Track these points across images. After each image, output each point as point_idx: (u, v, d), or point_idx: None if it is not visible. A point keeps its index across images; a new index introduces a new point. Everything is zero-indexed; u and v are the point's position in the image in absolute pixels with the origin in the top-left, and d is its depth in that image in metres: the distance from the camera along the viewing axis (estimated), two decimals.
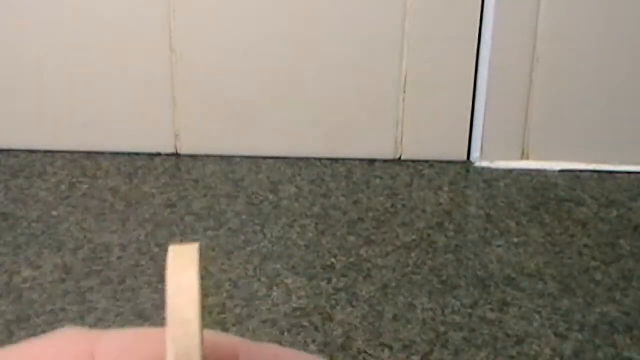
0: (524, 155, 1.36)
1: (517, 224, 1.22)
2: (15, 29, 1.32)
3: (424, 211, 1.24)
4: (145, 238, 1.17)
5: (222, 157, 1.37)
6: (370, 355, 0.97)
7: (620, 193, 1.30)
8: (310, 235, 1.18)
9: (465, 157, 1.38)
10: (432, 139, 1.37)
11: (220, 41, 1.32)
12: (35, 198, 1.26)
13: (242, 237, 1.17)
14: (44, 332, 0.45)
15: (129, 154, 1.37)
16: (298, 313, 1.03)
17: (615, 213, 1.25)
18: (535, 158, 1.36)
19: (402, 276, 1.10)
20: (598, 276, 1.11)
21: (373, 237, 1.18)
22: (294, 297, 1.06)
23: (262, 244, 1.16)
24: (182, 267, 0.24)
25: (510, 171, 1.35)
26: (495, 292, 1.08)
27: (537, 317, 1.03)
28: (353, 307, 1.04)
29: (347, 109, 1.35)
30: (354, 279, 1.09)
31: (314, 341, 0.99)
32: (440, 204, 1.26)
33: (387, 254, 1.14)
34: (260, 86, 1.34)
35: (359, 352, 0.97)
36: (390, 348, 0.98)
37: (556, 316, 1.04)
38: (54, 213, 1.22)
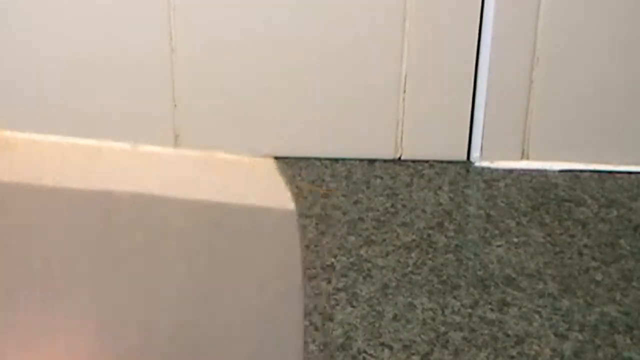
0: (524, 155, 1.36)
1: (517, 224, 1.22)
2: (15, 29, 1.31)
3: (424, 211, 1.24)
4: None
5: None
6: (370, 355, 0.97)
7: (620, 193, 1.30)
8: (310, 235, 1.18)
9: (465, 157, 1.38)
10: (432, 139, 1.37)
11: (220, 41, 1.32)
12: None
13: None
14: None
15: None
16: None
17: (615, 213, 1.25)
18: (535, 158, 1.36)
19: (402, 276, 1.10)
20: (598, 276, 1.11)
21: (373, 237, 1.18)
22: None
23: None
24: None
25: (510, 171, 1.35)
26: (495, 292, 1.08)
27: (537, 317, 1.03)
28: (353, 307, 1.04)
29: (347, 109, 1.35)
30: (354, 279, 1.09)
31: (313, 341, 0.99)
32: (440, 204, 1.26)
33: (387, 254, 1.14)
34: (260, 86, 1.34)
35: (359, 352, 0.97)
36: (390, 348, 0.98)
37: (556, 316, 1.04)
38: None
